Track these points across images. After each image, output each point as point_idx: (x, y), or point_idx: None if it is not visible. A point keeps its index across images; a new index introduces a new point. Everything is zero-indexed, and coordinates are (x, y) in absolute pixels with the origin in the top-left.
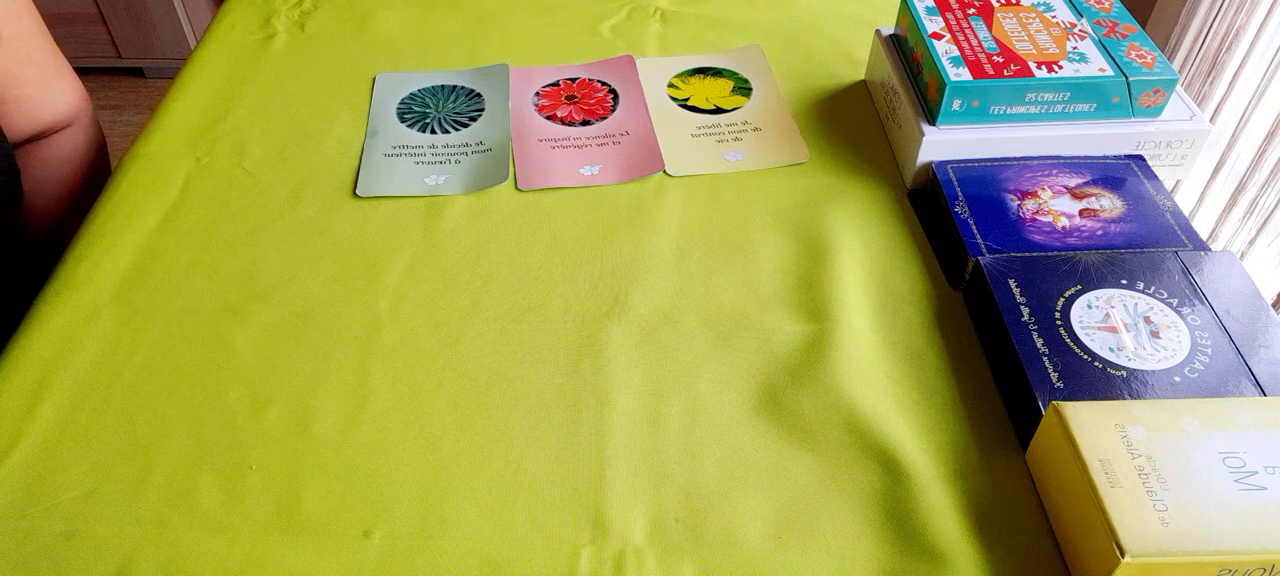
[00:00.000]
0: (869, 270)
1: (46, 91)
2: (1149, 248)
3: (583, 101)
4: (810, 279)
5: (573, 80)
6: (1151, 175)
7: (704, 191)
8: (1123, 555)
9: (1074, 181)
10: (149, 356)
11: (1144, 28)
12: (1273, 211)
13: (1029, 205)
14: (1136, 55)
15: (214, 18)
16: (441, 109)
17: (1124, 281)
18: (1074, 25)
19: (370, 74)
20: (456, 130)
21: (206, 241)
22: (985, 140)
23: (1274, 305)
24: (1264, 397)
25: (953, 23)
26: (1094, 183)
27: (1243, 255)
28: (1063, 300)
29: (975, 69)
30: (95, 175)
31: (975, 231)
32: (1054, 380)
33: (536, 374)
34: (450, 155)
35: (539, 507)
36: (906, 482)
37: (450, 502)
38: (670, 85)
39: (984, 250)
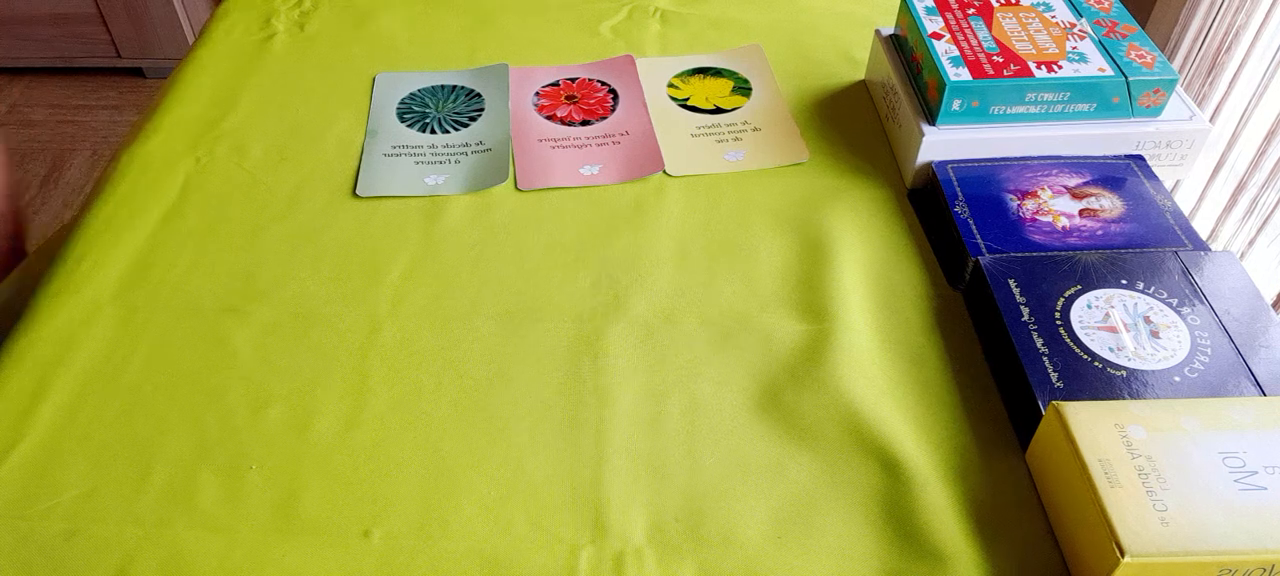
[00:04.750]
0: (869, 270)
1: None
2: (1149, 248)
3: (583, 101)
4: (810, 279)
5: (573, 80)
6: (1151, 175)
7: (704, 191)
8: (1123, 555)
9: (1074, 181)
10: (149, 356)
11: (1144, 28)
12: (1273, 211)
13: (1029, 205)
14: (1136, 55)
15: (211, 17)
16: (441, 109)
17: (1124, 281)
18: (1074, 25)
19: (370, 74)
20: (456, 130)
21: (206, 241)
22: (985, 140)
23: (1274, 305)
24: (1264, 397)
25: (952, 23)
26: (1094, 183)
27: (1243, 255)
28: (1063, 300)
29: (975, 69)
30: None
31: (975, 231)
32: (1054, 380)
33: (536, 374)
34: (450, 155)
35: (539, 507)
36: (906, 482)
37: (450, 502)
38: (670, 85)
39: (984, 250)
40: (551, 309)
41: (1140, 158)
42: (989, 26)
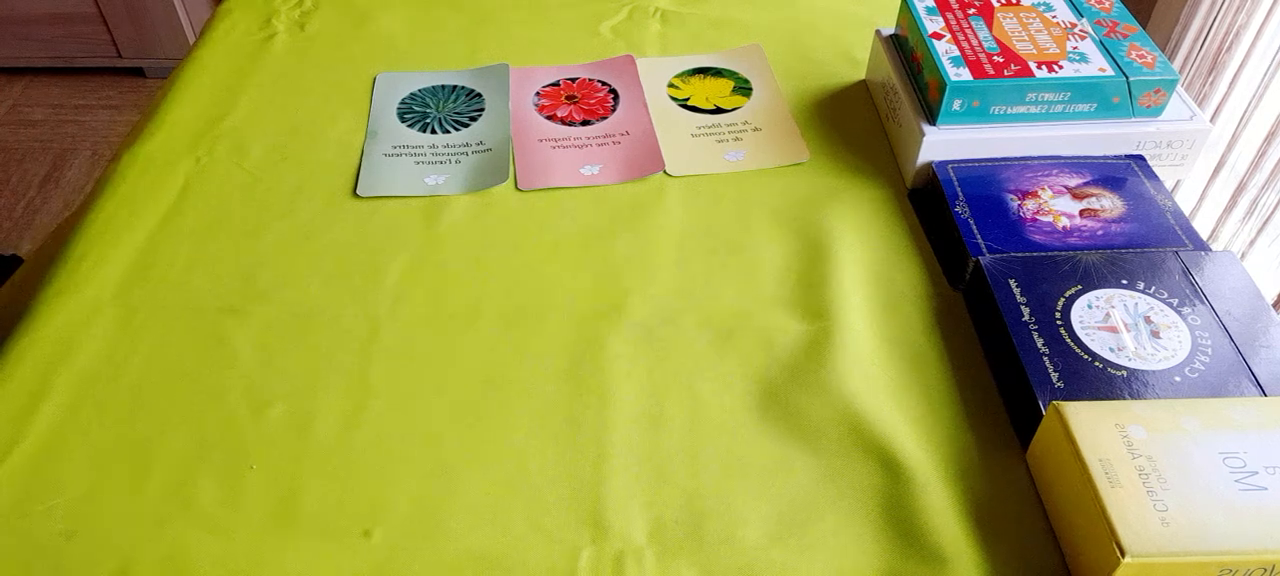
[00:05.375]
0: (869, 270)
1: None
2: (1149, 247)
3: (583, 101)
4: (810, 279)
5: (573, 80)
6: (1152, 175)
7: (704, 191)
8: (1123, 555)
9: (1074, 181)
10: (149, 356)
11: (1144, 28)
12: (1273, 211)
13: (1029, 205)
14: (1137, 55)
15: (211, 17)
16: (441, 109)
17: (1124, 281)
18: (1074, 25)
19: (370, 74)
20: (456, 130)
21: (206, 241)
22: (985, 140)
23: (1274, 305)
24: (1264, 397)
25: (953, 23)
26: (1094, 183)
27: (1243, 255)
28: (1063, 300)
29: (975, 69)
30: None
31: (975, 231)
32: (1054, 380)
33: (536, 374)
34: (450, 155)
35: (539, 508)
36: (907, 482)
37: (450, 503)
38: (670, 85)
39: (984, 250)
40: (552, 309)
41: (1141, 158)
42: (989, 26)
